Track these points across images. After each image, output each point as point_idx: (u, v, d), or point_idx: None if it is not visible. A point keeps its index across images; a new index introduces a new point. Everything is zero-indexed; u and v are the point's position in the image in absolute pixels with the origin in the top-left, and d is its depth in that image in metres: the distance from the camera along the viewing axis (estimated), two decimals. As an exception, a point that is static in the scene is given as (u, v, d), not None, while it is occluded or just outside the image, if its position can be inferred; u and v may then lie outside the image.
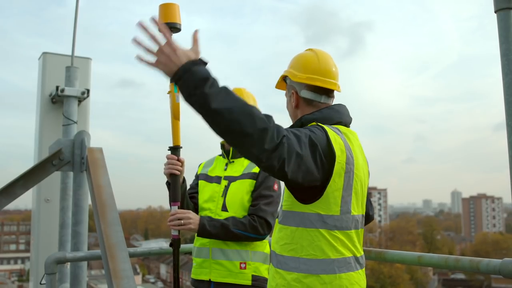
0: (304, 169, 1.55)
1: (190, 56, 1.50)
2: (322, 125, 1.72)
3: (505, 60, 1.78)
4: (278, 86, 2.10)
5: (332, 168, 1.64)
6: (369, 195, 2.14)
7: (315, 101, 1.89)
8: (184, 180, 2.55)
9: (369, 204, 2.04)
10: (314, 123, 1.76)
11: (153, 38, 1.48)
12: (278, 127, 1.49)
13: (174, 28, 2.35)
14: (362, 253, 1.82)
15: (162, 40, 1.48)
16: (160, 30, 1.48)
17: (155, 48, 1.48)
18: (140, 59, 1.51)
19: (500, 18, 1.80)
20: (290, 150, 1.49)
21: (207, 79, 1.43)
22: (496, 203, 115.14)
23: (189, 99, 1.46)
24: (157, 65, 1.50)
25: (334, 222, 1.68)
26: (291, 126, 1.85)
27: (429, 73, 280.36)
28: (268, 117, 1.48)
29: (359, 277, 1.75)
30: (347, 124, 1.88)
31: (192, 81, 1.44)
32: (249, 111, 1.44)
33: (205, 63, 1.52)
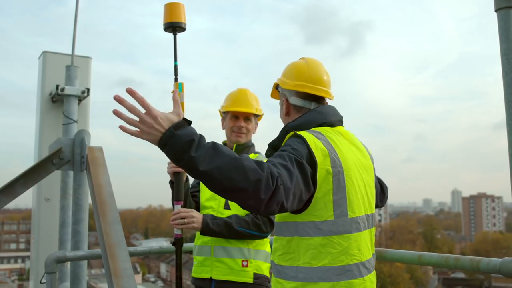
0: (299, 195, 1.56)
1: (172, 119, 1.47)
2: (301, 133, 1.69)
3: (505, 59, 1.78)
4: (273, 95, 2.10)
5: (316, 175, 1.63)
6: (381, 181, 2.14)
7: (305, 108, 1.89)
8: (187, 179, 2.56)
9: (379, 190, 2.06)
10: (292, 133, 1.73)
11: (131, 109, 1.44)
12: (272, 171, 1.46)
13: (179, 27, 2.35)
14: (370, 256, 1.76)
15: (142, 110, 1.44)
16: (137, 100, 1.44)
17: (135, 118, 1.45)
18: (124, 129, 1.48)
19: (500, 17, 1.80)
20: (286, 190, 1.48)
21: (192, 142, 1.42)
22: (496, 202, 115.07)
23: (178, 164, 1.45)
24: (141, 135, 1.46)
25: (329, 227, 1.65)
26: (278, 137, 1.84)
27: (429, 72, 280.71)
28: (260, 165, 1.45)
29: (364, 284, 1.69)
30: (333, 124, 1.84)
31: (177, 147, 1.42)
32: (240, 166, 1.42)
33: (189, 123, 1.50)
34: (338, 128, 1.86)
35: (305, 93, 1.88)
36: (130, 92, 1.43)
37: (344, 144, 1.78)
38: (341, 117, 1.92)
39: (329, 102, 1.97)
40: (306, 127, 1.79)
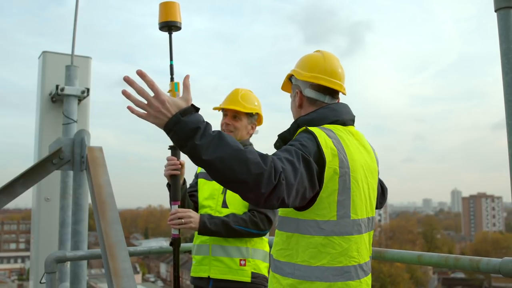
0: (302, 192, 1.54)
1: (180, 105, 1.46)
2: (313, 130, 1.67)
3: (505, 59, 1.78)
4: (284, 87, 2.07)
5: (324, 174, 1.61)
6: (382, 183, 2.10)
7: (319, 100, 1.86)
8: (184, 181, 2.57)
9: (379, 192, 2.02)
10: (304, 128, 1.71)
11: (140, 92, 1.44)
12: (275, 165, 1.44)
13: (174, 26, 2.34)
14: (368, 259, 1.76)
15: (150, 93, 1.44)
16: (147, 83, 1.44)
17: (144, 101, 1.45)
18: (131, 110, 1.48)
19: (500, 17, 1.81)
20: (288, 185, 1.47)
21: (197, 129, 1.41)
22: (496, 202, 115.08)
23: (182, 150, 1.45)
24: (147, 117, 1.46)
25: (332, 228, 1.64)
26: (288, 129, 1.82)
27: (429, 72, 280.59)
28: (264, 158, 1.43)
29: (360, 286, 1.69)
30: (345, 123, 1.82)
31: (182, 133, 1.42)
32: (242, 158, 1.41)
33: (197, 109, 1.48)
34: (350, 127, 1.84)
35: (320, 85, 1.85)
36: (140, 74, 1.43)
37: (353, 145, 1.76)
38: (354, 116, 1.89)
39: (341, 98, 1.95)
40: (318, 123, 1.76)
